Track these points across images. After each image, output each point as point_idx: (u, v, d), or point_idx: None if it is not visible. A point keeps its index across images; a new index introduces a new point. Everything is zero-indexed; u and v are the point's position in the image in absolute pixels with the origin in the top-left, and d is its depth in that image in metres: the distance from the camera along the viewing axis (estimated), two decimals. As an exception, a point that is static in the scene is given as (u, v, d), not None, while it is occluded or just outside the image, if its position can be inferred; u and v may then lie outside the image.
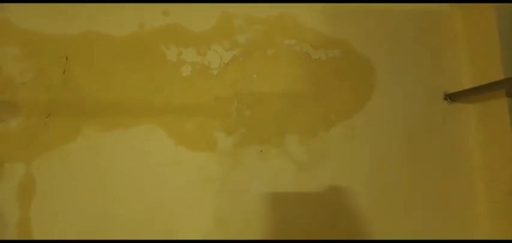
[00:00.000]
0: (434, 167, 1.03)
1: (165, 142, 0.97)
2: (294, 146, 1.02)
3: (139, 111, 0.98)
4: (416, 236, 0.99)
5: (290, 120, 1.03)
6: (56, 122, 0.93)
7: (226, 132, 1.00)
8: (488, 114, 1.01)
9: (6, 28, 0.95)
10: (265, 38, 1.05)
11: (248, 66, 1.04)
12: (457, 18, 1.10)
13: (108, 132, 0.95)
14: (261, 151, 1.01)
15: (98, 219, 0.92)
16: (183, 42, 1.02)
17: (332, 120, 1.04)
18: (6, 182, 0.89)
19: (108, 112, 0.96)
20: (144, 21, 1.01)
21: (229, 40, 1.04)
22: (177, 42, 1.02)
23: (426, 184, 1.02)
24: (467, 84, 1.06)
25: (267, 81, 1.04)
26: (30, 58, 0.94)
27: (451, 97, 1.07)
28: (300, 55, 1.06)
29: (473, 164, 1.03)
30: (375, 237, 0.98)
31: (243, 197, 0.98)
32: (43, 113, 0.93)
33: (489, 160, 1.00)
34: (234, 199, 0.98)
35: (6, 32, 0.95)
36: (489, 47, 0.99)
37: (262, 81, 1.04)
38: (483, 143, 1.02)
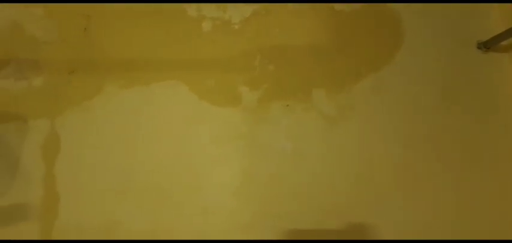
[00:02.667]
0: (470, 119, 0.97)
1: (188, 97, 0.95)
2: (321, 101, 0.98)
3: (161, 67, 0.96)
4: (453, 192, 0.93)
5: (316, 74, 0.99)
6: (78, 79, 0.93)
7: (250, 87, 0.97)
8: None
9: (28, -12, 0.95)
10: (288, -11, 1.02)
11: (270, 20, 1.01)
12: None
13: (131, 88, 0.94)
14: (287, 105, 0.97)
15: (121, 175, 0.90)
16: (204, -3, 1.00)
17: (360, 73, 1.00)
18: (31, 139, 0.89)
19: (130, 69, 0.95)
20: (164, -23, 0.99)
21: (250, -6, 1.01)
22: (197, -3, 1.00)
23: (461, 137, 0.96)
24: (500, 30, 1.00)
25: (290, 35, 1.01)
26: (52, 17, 0.94)
27: (485, 44, 1.01)
28: (322, 7, 1.02)
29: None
30: (409, 193, 0.93)
31: (270, 151, 0.95)
32: (66, 70, 0.93)
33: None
34: (261, 153, 0.95)
35: (29, -8, 0.95)
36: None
37: (284, 34, 1.01)
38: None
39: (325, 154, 0.96)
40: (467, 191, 0.92)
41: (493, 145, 0.95)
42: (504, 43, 0.98)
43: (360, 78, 0.99)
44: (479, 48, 1.01)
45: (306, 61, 1.00)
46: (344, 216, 0.94)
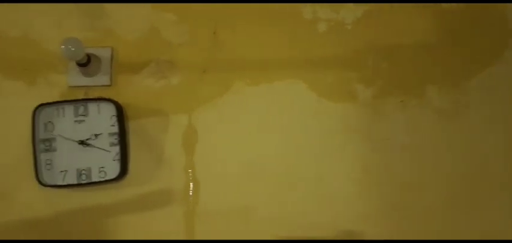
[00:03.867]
0: None
1: (307, 94, 1.02)
2: (434, 97, 1.02)
3: (282, 66, 1.03)
4: None
5: (429, 70, 1.03)
6: (210, 77, 1.02)
7: (365, 84, 1.03)
8: None
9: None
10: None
11: (381, 19, 1.05)
12: None
13: (256, 86, 1.02)
14: (402, 101, 1.02)
15: (251, 164, 0.99)
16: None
17: (472, 70, 1.03)
18: (172, 132, 0.99)
19: (255, 68, 1.03)
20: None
21: (362, -5, 1.06)
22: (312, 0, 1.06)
23: None
24: None
25: (401, 33, 1.05)
26: (184, 22, 1.04)
27: None
28: (431, 7, 1.06)
29: None
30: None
31: (386, 145, 1.01)
32: (199, 70, 1.02)
33: None
34: (377, 147, 1.01)
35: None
36: None
37: (396, 33, 1.05)
38: None
39: (439, 149, 1.01)
40: None
41: None
42: None
43: (472, 75, 1.02)
44: None
45: (418, 59, 1.04)
46: (456, 209, 0.99)
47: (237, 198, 0.98)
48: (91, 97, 0.96)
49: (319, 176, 0.99)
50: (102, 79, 0.99)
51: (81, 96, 0.97)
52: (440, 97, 1.02)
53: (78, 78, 0.98)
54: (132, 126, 0.98)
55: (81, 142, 0.94)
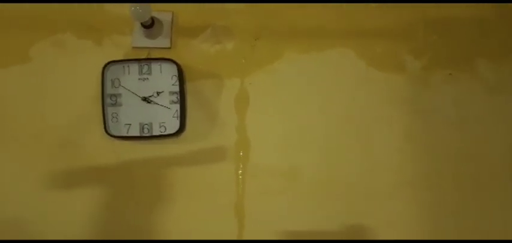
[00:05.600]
0: None
1: (357, 63, 1.05)
2: (484, 70, 1.03)
3: (332, 35, 1.07)
4: None
5: (479, 44, 1.04)
6: (262, 45, 1.07)
7: (414, 55, 1.05)
8: None
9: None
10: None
11: (433, -8, 1.06)
12: None
13: (307, 54, 1.06)
14: (450, 74, 1.04)
15: (300, 128, 1.05)
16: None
17: (524, 45, 1.03)
18: (226, 95, 1.05)
19: (306, 36, 1.07)
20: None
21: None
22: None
23: None
24: None
25: (451, 6, 1.05)
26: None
27: None
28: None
29: None
30: None
31: (432, 117, 1.03)
32: (252, 37, 1.07)
33: None
34: (423, 118, 1.03)
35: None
36: None
37: (446, 5, 1.06)
38: None
39: (487, 122, 1.02)
40: None
41: None
42: None
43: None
44: None
45: (468, 32, 1.05)
46: (501, 181, 1.00)
47: (285, 159, 1.03)
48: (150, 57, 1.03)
49: (365, 143, 1.03)
50: (163, 41, 1.05)
51: (143, 56, 1.05)
52: (489, 71, 1.03)
53: (141, 40, 1.05)
54: (189, 87, 1.05)
55: (144, 99, 1.01)
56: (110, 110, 1.01)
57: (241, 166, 1.03)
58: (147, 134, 1.02)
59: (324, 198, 1.02)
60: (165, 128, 1.01)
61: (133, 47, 1.06)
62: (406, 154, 1.02)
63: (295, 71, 1.06)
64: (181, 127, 1.01)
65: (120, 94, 1.02)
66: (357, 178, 1.02)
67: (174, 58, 1.02)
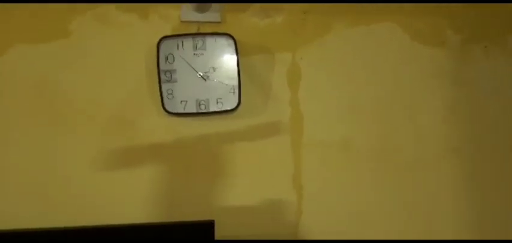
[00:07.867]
0: None
1: (402, 37, 1.10)
2: (515, 44, 1.12)
3: (378, 10, 1.10)
4: None
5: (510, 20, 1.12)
6: (312, 18, 1.08)
7: (454, 30, 1.11)
8: None
9: None
10: None
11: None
12: None
13: (355, 28, 1.09)
14: (485, 46, 1.11)
15: (351, 100, 1.08)
16: None
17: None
18: (278, 69, 1.06)
19: (355, 11, 1.09)
20: None
21: None
22: None
23: None
24: None
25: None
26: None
27: None
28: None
29: None
30: None
31: (470, 89, 1.11)
32: (301, 10, 1.08)
33: None
34: (463, 89, 1.10)
35: None
36: None
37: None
38: None
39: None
40: None
41: None
42: None
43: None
44: None
45: (501, 10, 1.12)
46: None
47: (337, 130, 1.07)
48: (203, 32, 1.01)
49: (411, 113, 1.09)
50: (213, 15, 1.03)
51: (192, 31, 1.02)
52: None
53: (191, 14, 1.02)
54: (241, 61, 1.04)
55: (201, 76, 1.00)
56: (164, 87, 0.99)
57: (296, 139, 1.06)
58: (204, 111, 1.01)
59: (375, 167, 1.07)
60: (222, 104, 1.01)
61: (182, 21, 1.03)
62: (448, 122, 1.09)
63: (343, 44, 1.08)
64: (238, 102, 1.01)
65: (175, 70, 1.00)
66: (404, 146, 1.09)
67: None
